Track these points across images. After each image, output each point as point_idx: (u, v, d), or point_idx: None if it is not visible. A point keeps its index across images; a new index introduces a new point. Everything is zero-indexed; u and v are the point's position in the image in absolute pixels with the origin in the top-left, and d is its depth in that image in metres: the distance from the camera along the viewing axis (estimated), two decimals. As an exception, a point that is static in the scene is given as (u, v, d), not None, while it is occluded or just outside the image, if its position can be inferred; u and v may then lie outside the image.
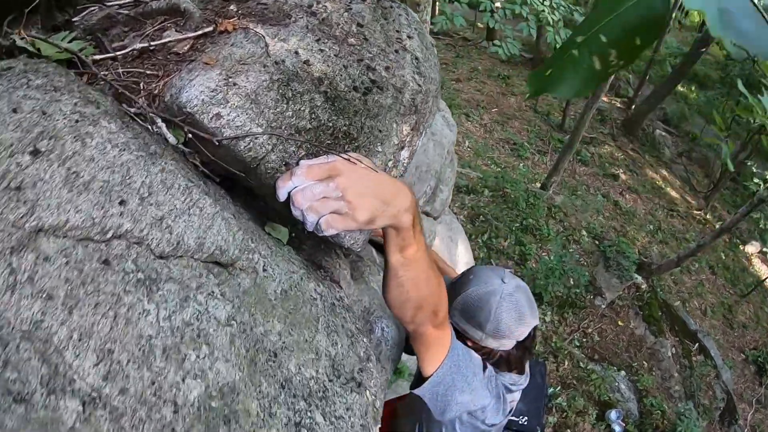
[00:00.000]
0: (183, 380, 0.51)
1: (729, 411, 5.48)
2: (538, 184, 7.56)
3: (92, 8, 1.11)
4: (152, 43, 0.93)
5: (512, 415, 3.65)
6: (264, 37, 0.93)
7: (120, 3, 1.14)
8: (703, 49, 8.59)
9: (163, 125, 0.78)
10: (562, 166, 7.34)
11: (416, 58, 1.22)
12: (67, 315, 0.45)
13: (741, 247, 8.44)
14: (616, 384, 5.14)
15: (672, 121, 10.73)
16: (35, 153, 0.49)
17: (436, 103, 1.42)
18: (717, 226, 8.36)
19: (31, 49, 0.84)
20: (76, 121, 0.56)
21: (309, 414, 0.66)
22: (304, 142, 0.77)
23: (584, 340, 5.40)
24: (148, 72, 0.88)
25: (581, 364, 4.95)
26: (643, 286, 6.26)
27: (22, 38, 0.89)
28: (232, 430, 0.51)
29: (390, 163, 1.00)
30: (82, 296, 0.47)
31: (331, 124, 0.86)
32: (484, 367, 1.29)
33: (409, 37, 1.26)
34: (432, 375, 1.14)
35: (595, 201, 7.74)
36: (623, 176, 8.71)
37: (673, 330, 6.05)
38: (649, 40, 0.29)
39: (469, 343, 1.33)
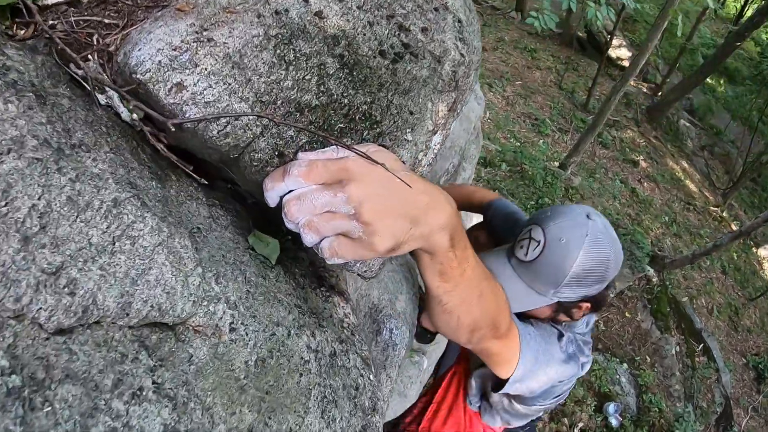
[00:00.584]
0: None
1: (725, 416, 5.37)
2: (557, 163, 7.28)
3: None
4: None
5: None
6: None
7: None
8: (738, 43, 8.09)
9: (114, 95, 0.55)
10: (582, 147, 7.04)
11: (459, 21, 0.96)
12: None
13: (754, 250, 8.22)
14: (617, 376, 5.02)
15: (698, 113, 10.34)
16: None
17: (476, 78, 1.17)
18: (733, 225, 8.08)
19: None
20: None
21: None
22: (303, 128, 0.53)
23: (589, 329, 5.28)
24: (106, 21, 0.63)
25: (583, 354, 4.86)
26: (654, 280, 6.06)
27: None
28: None
29: (420, 154, 0.77)
30: None
31: (346, 101, 0.62)
32: (560, 336, 1.16)
33: (452, -8, 0.99)
34: (508, 379, 1.07)
35: (613, 186, 7.47)
36: (643, 163, 8.39)
37: (679, 327, 5.88)
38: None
39: (547, 311, 1.18)
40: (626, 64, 9.87)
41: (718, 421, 5.57)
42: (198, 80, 0.48)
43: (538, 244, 1.06)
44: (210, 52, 0.49)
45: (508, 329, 0.92)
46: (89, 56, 0.60)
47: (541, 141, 8.14)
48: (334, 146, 0.55)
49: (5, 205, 0.34)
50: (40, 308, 0.34)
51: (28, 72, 0.45)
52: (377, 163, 0.53)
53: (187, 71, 0.48)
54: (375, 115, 0.65)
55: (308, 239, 0.53)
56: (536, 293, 1.09)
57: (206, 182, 0.57)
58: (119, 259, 0.40)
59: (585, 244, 1.03)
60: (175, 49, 0.48)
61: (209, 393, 0.41)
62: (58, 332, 0.34)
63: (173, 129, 0.46)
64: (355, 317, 0.85)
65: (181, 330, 0.43)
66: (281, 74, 0.56)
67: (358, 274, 0.61)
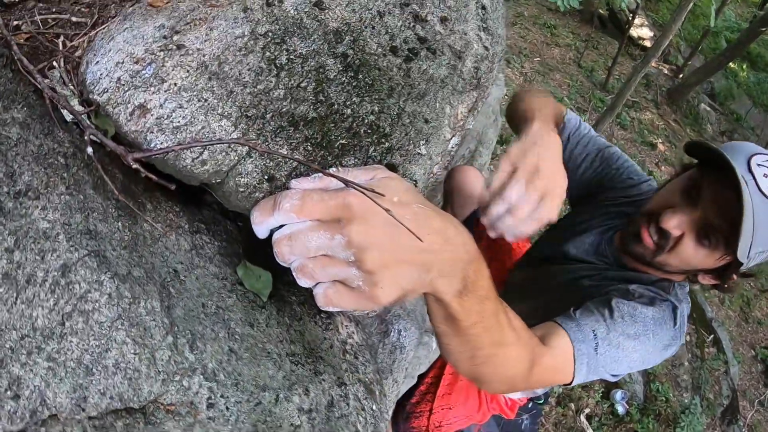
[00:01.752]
0: None
1: (732, 409, 5.34)
2: (573, 144, 7.11)
3: None
4: None
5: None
6: None
7: None
8: (763, 29, 7.73)
9: (75, 113, 0.45)
10: (601, 128, 6.84)
11: (483, 7, 0.84)
12: None
13: None
14: None
15: (719, 98, 10.03)
16: None
17: (499, 69, 1.06)
18: None
19: None
20: None
21: None
22: (291, 158, 0.43)
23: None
24: (74, 19, 0.53)
25: (591, 338, 4.84)
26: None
27: None
28: None
29: (436, 167, 0.67)
30: None
31: (349, 111, 0.52)
32: (674, 311, 0.97)
33: (475, -27, 0.87)
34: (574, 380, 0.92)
35: None
36: (661, 146, 8.16)
37: (690, 317, 5.81)
38: None
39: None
40: (648, 44, 9.56)
41: (724, 414, 5.55)
42: (165, 100, 0.39)
43: None
44: (180, 63, 0.40)
45: (550, 346, 0.83)
46: (54, 63, 0.50)
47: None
48: (335, 169, 0.46)
49: None
50: None
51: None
52: (386, 189, 0.44)
53: (152, 89, 0.38)
54: (383, 126, 0.55)
55: (301, 283, 0.44)
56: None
57: (193, 196, 0.48)
58: (70, 343, 0.32)
59: None
60: (137, 62, 0.39)
61: None
62: None
63: (133, 165, 0.37)
64: (360, 333, 0.77)
65: (152, 410, 0.35)
66: (271, 82, 0.46)
67: (356, 317, 0.53)
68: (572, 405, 4.29)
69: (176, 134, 0.39)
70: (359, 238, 0.41)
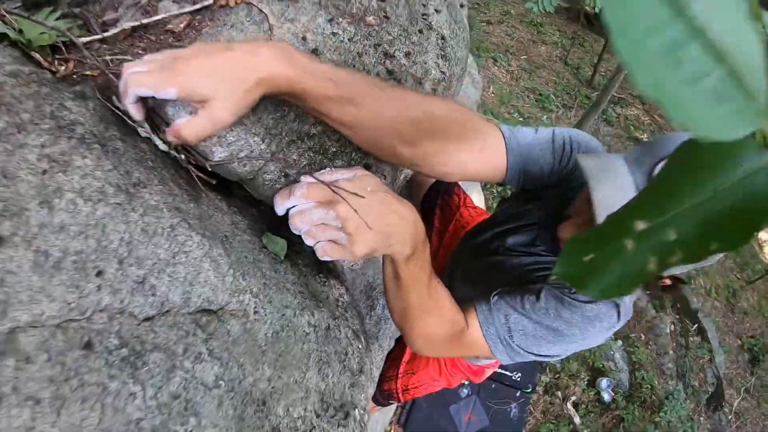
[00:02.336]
0: None
1: (717, 396, 5.64)
2: (560, 141, 7.38)
3: None
4: (143, 21, 0.84)
5: (507, 371, 3.76)
6: (268, 16, 0.84)
7: None
8: None
9: (148, 130, 0.71)
10: (586, 124, 7.12)
11: (442, 38, 1.11)
12: (56, 417, 0.42)
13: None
14: (612, 353, 5.26)
15: None
16: None
17: (461, 85, 1.32)
18: None
19: (10, 33, 0.75)
20: (44, 173, 0.50)
21: None
22: (299, 165, 0.70)
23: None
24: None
25: (578, 329, 5.09)
26: (652, 260, 6.25)
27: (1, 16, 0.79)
28: None
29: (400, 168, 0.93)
30: (68, 394, 0.43)
31: (338, 127, 0.79)
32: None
33: (436, 10, 1.14)
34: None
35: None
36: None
37: (674, 307, 6.10)
38: (733, 245, 0.22)
39: None
40: None
41: (710, 401, 5.84)
42: (223, 125, 0.65)
43: None
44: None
45: (460, 339, 0.97)
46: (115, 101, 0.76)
47: (545, 117, 8.22)
48: (330, 170, 0.73)
49: (104, 239, 0.52)
50: (135, 305, 0.52)
51: (87, 122, 0.62)
52: (363, 181, 0.71)
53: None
54: (362, 137, 0.82)
55: (307, 242, 0.71)
56: None
57: (226, 190, 0.75)
58: (179, 268, 0.58)
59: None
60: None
61: (242, 355, 0.59)
62: (145, 320, 0.52)
63: (209, 169, 0.63)
64: (348, 296, 1.03)
65: (221, 314, 0.61)
66: (286, 109, 0.73)
67: (347, 267, 0.79)
68: (559, 393, 4.57)
69: (229, 147, 0.66)
70: (344, 212, 0.68)
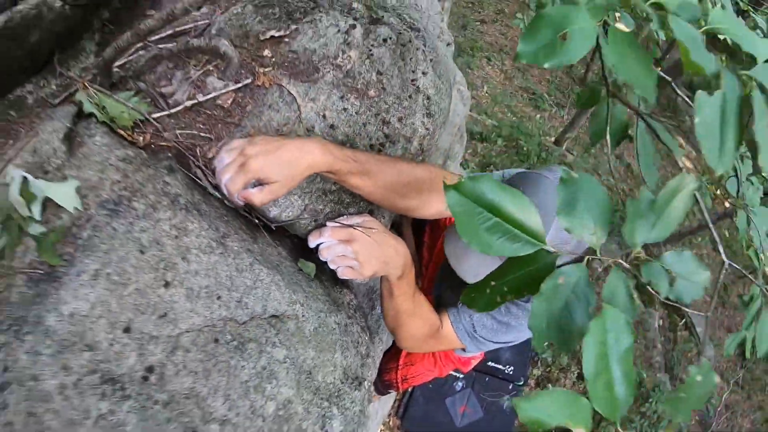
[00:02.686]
0: (265, 402, 0.83)
1: (705, 387, 5.96)
2: (553, 138, 7.69)
3: (139, 50, 1.30)
4: (200, 99, 1.16)
5: (499, 365, 4.06)
6: (296, 98, 1.16)
7: (161, 37, 1.34)
8: None
9: (223, 193, 1.03)
10: (578, 122, 7.40)
11: (428, 98, 1.43)
12: (205, 381, 0.75)
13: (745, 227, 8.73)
14: None
15: (698, 89, 10.68)
16: (167, 285, 0.77)
17: (441, 134, 1.64)
18: (726, 203, 8.51)
19: (97, 113, 1.06)
20: (176, 237, 0.82)
21: (330, 409, 0.98)
22: (330, 215, 1.04)
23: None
24: (201, 135, 1.11)
25: (568, 323, 5.40)
26: (641, 256, 6.56)
27: (84, 89, 1.11)
28: (290, 427, 0.84)
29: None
30: (210, 368, 0.77)
31: (350, 182, 1.12)
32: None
33: (423, 73, 1.46)
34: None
35: (605, 161, 7.90)
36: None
37: (662, 303, 6.43)
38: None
39: None
40: None
41: None
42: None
43: None
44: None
45: (437, 336, 1.34)
46: (198, 166, 1.08)
47: (538, 116, 8.52)
48: (346, 217, 1.06)
49: (218, 277, 0.84)
50: (237, 315, 0.85)
51: (183, 193, 0.94)
52: (370, 227, 1.04)
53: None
54: (367, 188, 1.14)
55: (331, 266, 1.04)
56: None
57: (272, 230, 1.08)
58: (258, 291, 0.91)
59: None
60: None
61: (296, 344, 0.92)
62: (242, 323, 0.84)
63: (273, 227, 0.97)
64: (356, 300, 1.36)
65: (283, 317, 0.94)
66: (314, 176, 1.05)
67: (357, 283, 1.13)
68: (550, 386, 4.90)
69: (279, 207, 0.98)
70: (357, 248, 1.01)
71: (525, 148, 6.97)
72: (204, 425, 0.76)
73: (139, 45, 1.30)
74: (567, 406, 0.44)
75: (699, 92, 0.55)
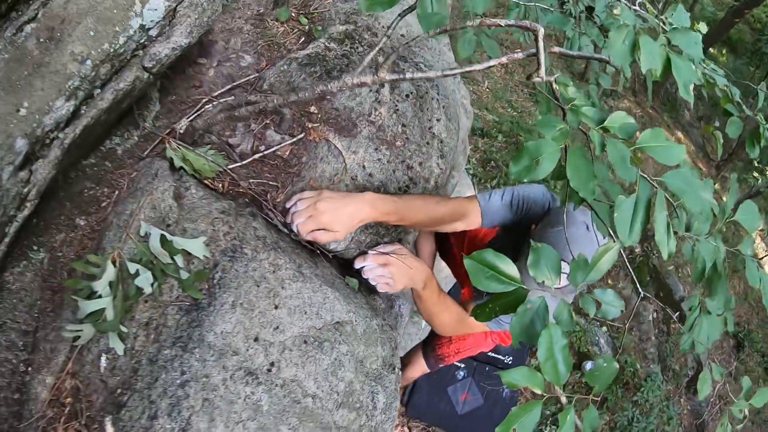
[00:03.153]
0: (338, 383, 1.26)
1: (697, 379, 6.38)
2: (551, 135, 8.00)
3: (205, 105, 1.67)
4: (264, 151, 1.54)
5: (499, 355, 4.45)
6: (342, 152, 1.55)
7: (221, 92, 1.72)
8: (736, 20, 8.80)
9: (292, 230, 1.43)
10: (578, 118, 7.72)
11: (441, 141, 1.82)
12: (303, 369, 1.18)
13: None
14: (596, 338, 5.98)
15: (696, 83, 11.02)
16: (276, 307, 1.22)
17: (454, 166, 2.03)
18: (724, 197, 8.89)
19: (186, 167, 1.44)
20: (274, 272, 1.24)
21: (376, 387, 1.39)
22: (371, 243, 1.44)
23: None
24: (270, 183, 1.50)
25: (568, 314, 5.80)
26: (637, 250, 7.00)
27: (169, 144, 1.48)
28: (353, 399, 1.25)
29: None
30: (305, 360, 1.20)
31: (384, 219, 1.52)
32: None
33: (437, 120, 1.85)
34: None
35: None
36: (638, 134, 9.16)
37: (658, 296, 6.86)
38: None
39: None
40: None
41: (690, 384, 6.59)
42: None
43: None
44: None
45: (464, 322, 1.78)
46: (269, 209, 1.47)
47: (538, 111, 8.85)
48: (383, 245, 1.46)
49: (305, 298, 1.25)
50: (318, 324, 1.25)
51: (267, 235, 1.34)
52: (401, 253, 1.44)
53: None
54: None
55: (372, 282, 1.45)
56: None
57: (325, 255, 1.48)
58: (327, 304, 1.31)
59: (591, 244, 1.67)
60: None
61: (352, 341, 1.33)
62: (321, 328, 1.25)
63: (331, 257, 1.37)
64: (384, 304, 1.77)
65: (343, 323, 1.33)
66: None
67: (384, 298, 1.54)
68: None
69: (336, 243, 1.39)
70: (392, 270, 1.42)
71: (525, 144, 7.30)
72: (303, 398, 1.17)
73: (205, 100, 1.69)
74: (529, 376, 0.83)
75: (620, 197, 0.93)
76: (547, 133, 0.95)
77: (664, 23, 1.26)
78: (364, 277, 1.50)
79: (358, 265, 1.49)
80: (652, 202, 0.93)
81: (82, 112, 1.28)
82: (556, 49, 1.16)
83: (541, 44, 0.95)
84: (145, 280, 1.08)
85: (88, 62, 1.22)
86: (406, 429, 4.13)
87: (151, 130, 1.58)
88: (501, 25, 1.07)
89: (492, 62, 1.07)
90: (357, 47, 1.88)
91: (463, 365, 4.08)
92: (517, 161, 0.91)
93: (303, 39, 1.98)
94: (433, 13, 1.03)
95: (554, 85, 1.01)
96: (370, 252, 1.49)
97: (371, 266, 1.48)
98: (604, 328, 6.09)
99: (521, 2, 1.84)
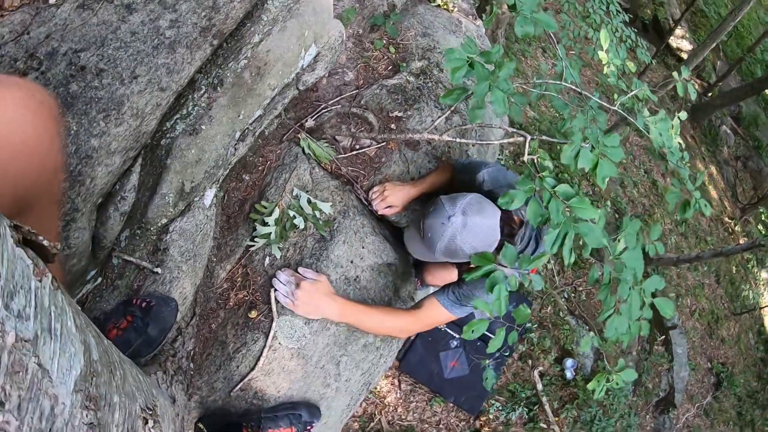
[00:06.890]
0: (387, 296, 2.34)
1: (667, 401, 7.07)
2: (589, 141, 8.67)
3: (323, 110, 2.73)
4: (359, 150, 2.60)
5: (492, 334, 5.35)
6: (407, 160, 2.60)
7: (333, 101, 2.78)
8: None
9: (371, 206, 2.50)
10: (616, 130, 8.17)
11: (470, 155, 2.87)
12: (372, 279, 2.26)
13: (755, 269, 9.66)
14: (582, 339, 6.65)
15: (743, 122, 11.39)
16: (363, 247, 2.28)
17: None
18: (741, 241, 9.39)
19: (311, 154, 2.52)
20: (362, 227, 2.32)
21: (406, 303, 2.48)
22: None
23: (572, 295, 6.74)
24: (361, 172, 2.57)
25: (561, 314, 6.41)
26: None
27: (303, 138, 2.56)
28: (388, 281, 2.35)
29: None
30: (375, 277, 2.27)
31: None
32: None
33: (472, 145, 2.89)
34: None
35: (636, 174, 8.80)
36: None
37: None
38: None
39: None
40: (685, 56, 11.00)
41: (658, 404, 7.22)
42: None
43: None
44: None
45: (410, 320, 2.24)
46: (359, 189, 2.55)
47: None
48: (311, 270, 2.54)
49: (376, 248, 2.32)
50: (380, 262, 2.33)
51: (357, 205, 2.41)
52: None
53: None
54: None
55: (276, 295, 2.52)
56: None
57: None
58: (387, 250, 2.40)
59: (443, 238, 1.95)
60: (389, 207, 2.44)
61: (395, 275, 2.39)
62: (382, 264, 2.33)
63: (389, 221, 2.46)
64: (405, 267, 2.85)
65: (393, 264, 2.41)
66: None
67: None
68: (530, 362, 6.01)
69: (395, 215, 2.48)
70: (298, 294, 2.07)
71: (558, 146, 8.01)
72: (369, 300, 2.27)
73: (322, 106, 2.75)
74: (484, 306, 1.90)
75: (550, 229, 1.97)
76: (522, 187, 2.00)
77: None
78: (274, 286, 2.09)
79: (279, 275, 2.11)
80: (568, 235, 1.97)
81: (264, 114, 2.36)
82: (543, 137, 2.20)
83: (527, 147, 1.97)
84: (300, 221, 2.16)
85: (276, 89, 2.28)
86: (396, 381, 4.97)
87: (285, 120, 2.66)
88: (508, 131, 2.10)
89: (494, 142, 2.11)
90: (428, 82, 2.91)
91: (458, 336, 4.94)
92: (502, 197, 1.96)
93: (390, 67, 3.02)
94: (478, 110, 2.06)
95: (536, 160, 2.05)
96: (299, 269, 2.16)
97: (288, 280, 2.07)
98: (591, 333, 6.94)
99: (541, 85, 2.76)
